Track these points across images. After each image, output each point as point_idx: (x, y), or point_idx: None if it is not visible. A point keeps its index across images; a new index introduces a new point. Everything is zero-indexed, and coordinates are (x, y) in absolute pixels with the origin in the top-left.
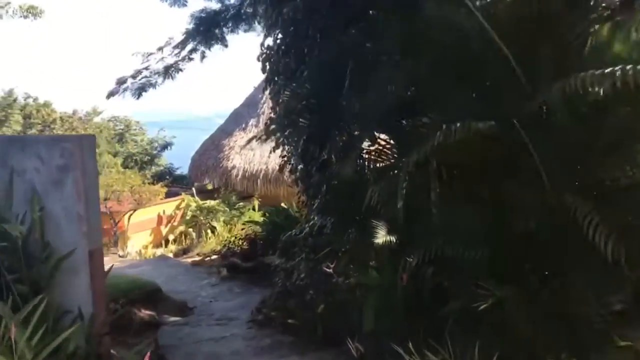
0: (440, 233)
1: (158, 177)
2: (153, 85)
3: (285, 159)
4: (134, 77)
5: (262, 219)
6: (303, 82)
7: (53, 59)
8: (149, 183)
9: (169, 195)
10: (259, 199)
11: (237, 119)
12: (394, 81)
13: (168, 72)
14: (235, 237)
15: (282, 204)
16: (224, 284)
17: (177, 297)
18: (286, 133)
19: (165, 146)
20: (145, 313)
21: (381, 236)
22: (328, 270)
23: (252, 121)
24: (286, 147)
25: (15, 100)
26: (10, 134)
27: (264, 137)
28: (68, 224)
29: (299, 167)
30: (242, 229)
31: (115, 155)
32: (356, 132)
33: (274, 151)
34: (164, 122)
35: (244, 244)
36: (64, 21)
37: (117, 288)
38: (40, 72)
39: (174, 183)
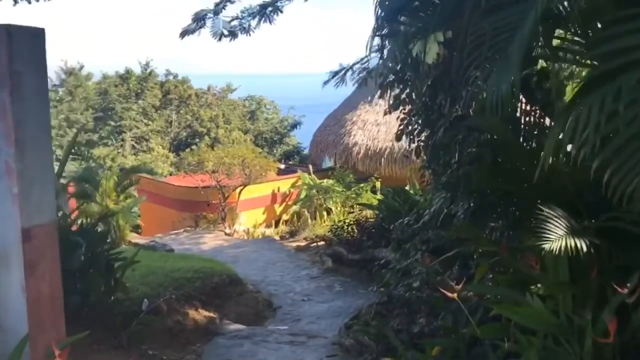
0: None
1: (286, 157)
2: (246, 30)
3: (405, 122)
4: (216, 12)
5: (376, 201)
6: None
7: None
8: (270, 159)
9: (287, 173)
10: (381, 181)
11: (363, 91)
12: None
13: (264, 12)
14: (345, 222)
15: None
16: (325, 278)
17: (266, 290)
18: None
19: (295, 125)
20: (202, 315)
21: (558, 237)
22: (454, 286)
23: (380, 93)
24: (407, 107)
25: (150, 73)
26: (144, 107)
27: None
28: None
29: (423, 133)
30: (351, 212)
31: (246, 132)
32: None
33: (389, 112)
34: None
35: (354, 230)
36: None
37: (170, 277)
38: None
39: (301, 163)
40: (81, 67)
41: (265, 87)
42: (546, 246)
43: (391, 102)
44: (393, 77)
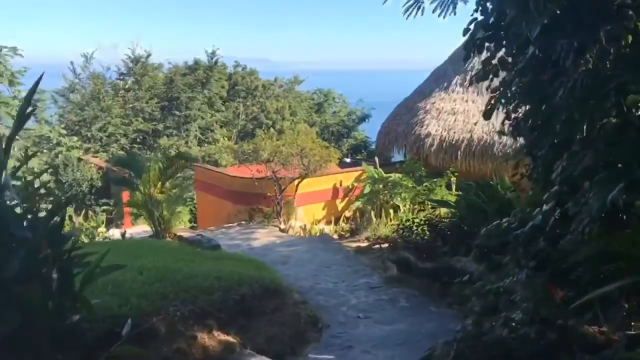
0: None
1: (353, 151)
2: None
3: (498, 92)
4: None
5: (454, 198)
6: None
7: None
8: (331, 149)
9: (350, 166)
10: (454, 176)
11: (437, 78)
12: None
13: None
14: (414, 222)
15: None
16: (387, 289)
17: (314, 301)
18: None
19: (363, 118)
20: (217, 339)
21: None
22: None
23: (457, 79)
24: (500, 74)
25: (216, 62)
26: (209, 97)
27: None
28: None
29: (525, 104)
30: (422, 210)
31: (312, 125)
32: None
33: (475, 82)
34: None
35: (425, 232)
36: None
37: (181, 286)
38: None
39: (369, 157)
40: (148, 55)
41: (335, 84)
42: None
43: (476, 69)
44: (483, 33)
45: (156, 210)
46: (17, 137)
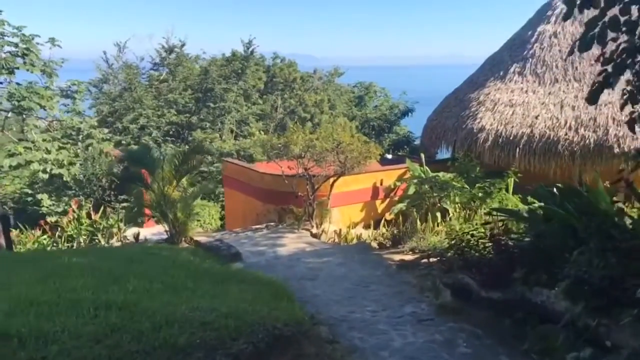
0: None
1: (395, 147)
2: None
3: (612, 66)
4: None
5: (523, 207)
6: None
7: None
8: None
9: (395, 164)
10: (516, 177)
11: (492, 67)
12: None
13: None
14: (472, 234)
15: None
16: (441, 324)
17: (346, 339)
18: None
19: (406, 112)
20: None
21: None
22: None
23: (515, 67)
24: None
25: (252, 52)
26: (245, 89)
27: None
28: None
29: None
30: (486, 222)
31: (351, 119)
32: None
33: (578, 51)
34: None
35: (488, 249)
36: None
37: (142, 344)
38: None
39: (412, 154)
40: (182, 45)
41: (378, 79)
42: None
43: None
44: None
45: (169, 211)
46: (48, 128)
